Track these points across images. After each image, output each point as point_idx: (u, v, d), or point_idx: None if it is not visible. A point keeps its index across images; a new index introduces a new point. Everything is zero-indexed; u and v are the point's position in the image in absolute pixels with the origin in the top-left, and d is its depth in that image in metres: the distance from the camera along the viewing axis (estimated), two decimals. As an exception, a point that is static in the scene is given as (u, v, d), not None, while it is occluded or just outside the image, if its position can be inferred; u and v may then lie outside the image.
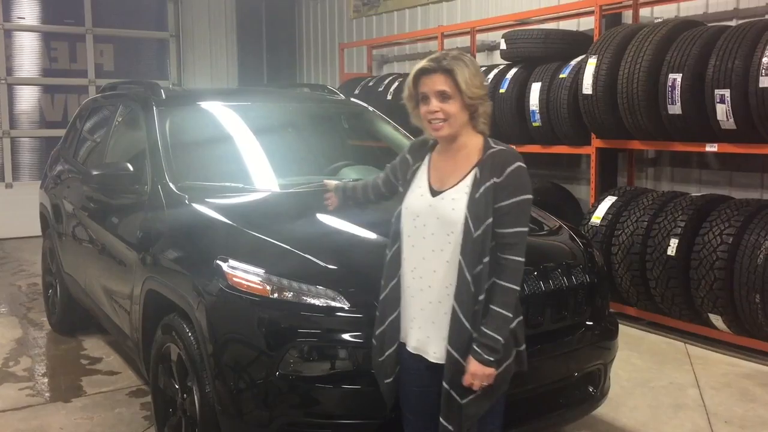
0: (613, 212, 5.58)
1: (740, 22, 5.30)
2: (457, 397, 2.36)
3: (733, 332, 4.95)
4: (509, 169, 2.32)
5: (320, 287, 2.79)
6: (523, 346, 2.48)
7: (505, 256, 2.32)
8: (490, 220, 2.31)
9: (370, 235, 3.21)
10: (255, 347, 2.80)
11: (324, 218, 3.32)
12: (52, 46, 10.09)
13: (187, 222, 3.47)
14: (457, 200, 2.35)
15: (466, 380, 2.33)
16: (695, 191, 5.76)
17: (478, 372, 2.31)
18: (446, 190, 2.39)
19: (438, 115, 2.36)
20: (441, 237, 2.37)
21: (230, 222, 3.28)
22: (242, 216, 3.38)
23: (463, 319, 2.32)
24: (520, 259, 2.34)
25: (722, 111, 4.82)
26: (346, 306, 2.76)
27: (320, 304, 2.76)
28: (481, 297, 2.32)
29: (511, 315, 2.34)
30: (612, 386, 3.59)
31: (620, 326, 3.61)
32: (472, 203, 2.32)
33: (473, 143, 2.43)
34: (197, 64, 11.16)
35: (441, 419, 2.39)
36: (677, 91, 5.04)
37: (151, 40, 10.92)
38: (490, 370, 2.32)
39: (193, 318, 3.01)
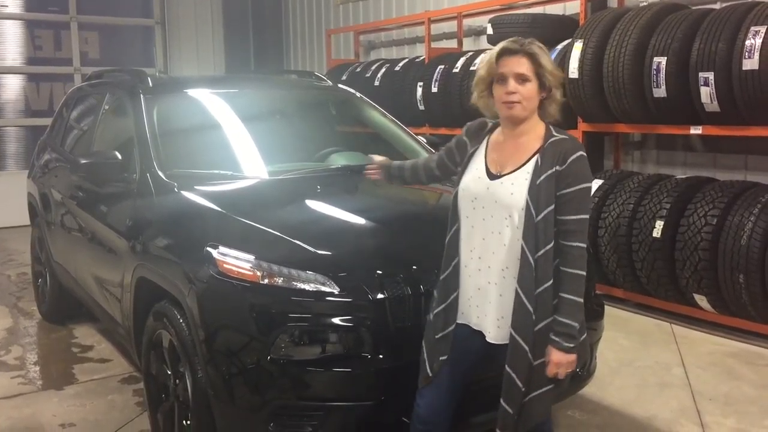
0: (600, 195, 5.64)
1: (724, 5, 5.35)
2: (520, 383, 2.40)
3: (717, 312, 5.03)
4: (572, 158, 2.37)
5: (310, 272, 2.81)
6: (582, 337, 2.48)
7: (569, 243, 2.37)
8: (552, 207, 2.36)
9: (360, 221, 3.25)
10: (246, 332, 2.82)
11: (313, 204, 3.34)
12: (36, 34, 10.02)
13: (176, 209, 3.48)
14: (516, 185, 2.40)
15: (551, 371, 2.38)
16: (680, 173, 5.82)
17: (562, 361, 2.37)
18: (505, 174, 2.44)
19: (514, 97, 2.41)
20: (499, 220, 2.42)
21: (220, 209, 3.30)
22: (232, 203, 3.40)
23: (527, 304, 2.37)
24: (583, 245, 2.38)
25: (706, 94, 4.87)
26: (336, 290, 2.78)
27: (310, 289, 2.79)
28: (548, 283, 2.36)
29: (582, 300, 2.39)
30: (599, 366, 3.65)
31: (607, 308, 3.67)
32: (533, 189, 2.36)
33: (536, 130, 2.47)
34: (183, 51, 11.11)
35: (502, 402, 2.44)
36: (662, 75, 5.08)
37: (137, 28, 10.86)
38: (572, 357, 2.39)
39: (184, 304, 3.03)
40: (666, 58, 5.05)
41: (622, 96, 5.38)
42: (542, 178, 2.36)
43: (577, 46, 5.65)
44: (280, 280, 2.81)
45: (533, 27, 6.40)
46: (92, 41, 10.38)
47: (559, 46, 6.16)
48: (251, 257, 2.88)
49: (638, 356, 4.65)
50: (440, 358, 2.55)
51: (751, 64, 4.60)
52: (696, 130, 5.18)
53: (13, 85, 9.98)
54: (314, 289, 2.79)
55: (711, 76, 4.81)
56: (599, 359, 3.64)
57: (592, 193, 5.66)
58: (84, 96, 5.42)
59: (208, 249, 2.97)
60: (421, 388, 2.61)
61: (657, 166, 6.31)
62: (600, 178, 5.80)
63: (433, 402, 2.60)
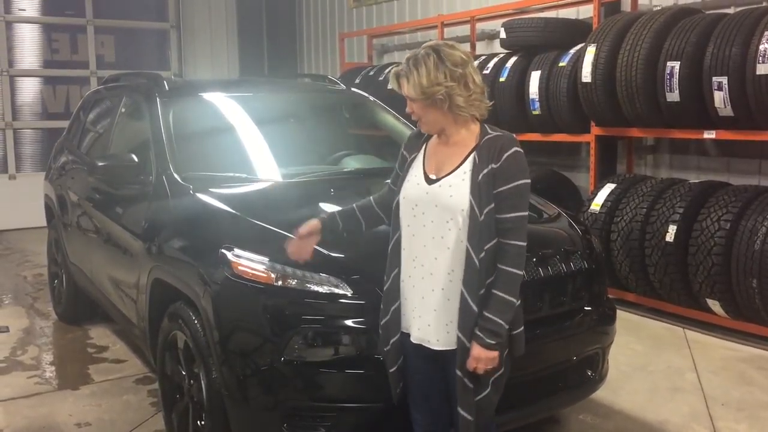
0: (613, 199, 5.63)
1: (738, 9, 5.33)
2: (471, 385, 2.39)
3: (730, 317, 5.01)
4: (506, 155, 2.35)
5: (323, 274, 2.85)
6: (519, 330, 2.49)
7: (507, 241, 2.35)
8: (492, 205, 2.34)
9: (372, 224, 3.26)
10: (260, 334, 2.86)
11: (326, 207, 3.36)
12: (53, 38, 10.13)
13: (192, 212, 3.52)
14: (454, 186, 2.37)
15: (470, 364, 2.35)
16: (694, 178, 5.80)
17: (481, 356, 2.34)
18: (443, 177, 2.41)
19: (413, 116, 2.46)
20: (441, 224, 2.39)
21: (234, 211, 3.33)
22: (246, 205, 3.43)
23: (472, 305, 2.35)
24: (521, 243, 2.36)
25: (720, 98, 4.86)
26: (349, 293, 2.82)
27: (324, 291, 2.82)
28: (489, 281, 2.36)
29: (515, 300, 2.37)
30: (611, 370, 3.66)
31: (619, 312, 3.67)
32: (475, 188, 2.34)
33: (469, 131, 2.44)
34: (198, 55, 11.19)
35: (459, 409, 2.41)
36: (675, 79, 5.08)
37: (152, 31, 10.94)
38: (493, 354, 2.35)
39: (199, 306, 3.07)
40: (679, 62, 5.05)
41: (635, 100, 5.38)
42: (480, 177, 2.34)
43: (590, 51, 5.65)
44: (293, 282, 2.85)
45: (546, 31, 6.42)
46: (108, 44, 10.48)
47: (572, 51, 6.17)
48: (265, 259, 2.92)
49: (650, 361, 4.64)
50: (390, 371, 2.55)
51: (765, 68, 4.59)
52: (709, 135, 5.18)
53: (30, 87, 10.08)
54: (328, 292, 2.82)
55: (725, 80, 4.80)
56: (611, 363, 3.65)
57: (605, 197, 5.67)
58: (100, 99, 5.49)
59: (223, 251, 3.00)
60: (412, 403, 2.62)
61: (670, 171, 6.29)
62: (613, 183, 5.80)
63: (426, 414, 2.60)
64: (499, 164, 2.34)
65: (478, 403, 2.42)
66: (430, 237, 2.41)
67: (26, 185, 9.63)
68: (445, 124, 2.43)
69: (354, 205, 2.79)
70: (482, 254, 2.34)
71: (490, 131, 2.44)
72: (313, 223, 2.75)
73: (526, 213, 2.39)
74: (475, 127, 2.46)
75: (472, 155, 2.39)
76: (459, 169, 2.39)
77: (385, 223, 2.72)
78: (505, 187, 2.34)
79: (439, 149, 2.50)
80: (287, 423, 2.84)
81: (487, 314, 2.34)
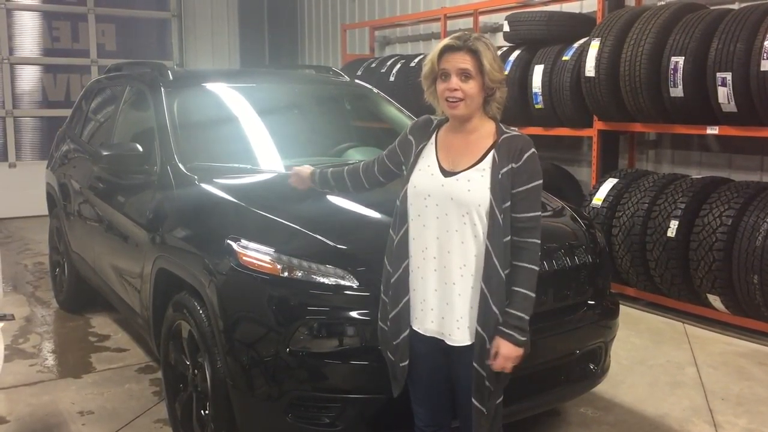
0: (614, 194, 5.65)
1: (743, 5, 5.33)
2: (488, 383, 2.38)
3: (730, 312, 5.03)
4: (526, 155, 2.36)
5: (329, 266, 2.85)
6: None
7: (525, 239, 2.37)
8: (508, 203, 2.35)
9: (377, 215, 3.27)
10: (266, 324, 2.86)
11: (331, 198, 3.37)
12: (53, 26, 10.11)
13: (197, 202, 3.52)
14: (473, 181, 2.36)
15: (498, 363, 2.34)
16: (696, 173, 5.82)
17: (511, 354, 2.34)
18: (461, 171, 2.40)
19: (457, 94, 2.36)
20: (456, 218, 2.38)
21: (240, 202, 3.33)
22: (251, 196, 3.43)
23: (491, 301, 2.34)
24: (537, 241, 2.39)
25: (723, 94, 4.87)
26: (355, 284, 2.82)
27: (329, 283, 2.83)
28: (505, 273, 2.36)
29: (534, 295, 2.38)
30: (612, 364, 3.67)
31: (620, 306, 3.68)
32: (495, 186, 2.34)
33: (486, 127, 2.45)
34: (199, 44, 11.17)
35: (474, 401, 2.41)
36: (679, 74, 5.08)
37: (153, 20, 10.92)
38: (521, 351, 2.36)
39: (204, 296, 3.07)
40: (683, 57, 5.05)
41: (638, 95, 5.38)
42: (501, 174, 2.35)
43: (594, 45, 5.65)
44: (299, 274, 2.85)
45: (550, 25, 6.42)
46: (109, 33, 10.46)
47: (576, 45, 6.17)
48: (271, 250, 2.92)
49: (650, 355, 4.66)
50: (401, 365, 2.52)
51: (769, 65, 4.60)
52: (712, 131, 5.19)
53: (31, 75, 10.06)
54: (333, 283, 2.83)
55: (728, 76, 4.81)
56: (612, 357, 3.66)
57: (606, 192, 5.69)
58: (103, 88, 5.48)
59: (229, 241, 3.01)
60: (413, 397, 2.61)
61: (672, 166, 6.31)
62: (614, 177, 5.81)
63: (428, 408, 2.60)
64: (519, 164, 2.35)
65: (493, 393, 2.42)
66: (444, 230, 2.40)
67: (26, 173, 9.63)
68: (476, 113, 2.42)
69: (344, 168, 2.93)
70: (499, 251, 2.34)
71: (506, 130, 2.44)
72: (305, 171, 3.08)
73: (540, 213, 2.42)
74: (491, 124, 2.46)
75: (491, 153, 2.38)
76: (478, 164, 2.38)
77: (367, 190, 2.91)
78: (524, 188, 2.36)
79: (452, 142, 2.47)
80: (291, 413, 2.85)
81: (514, 312, 2.35)
